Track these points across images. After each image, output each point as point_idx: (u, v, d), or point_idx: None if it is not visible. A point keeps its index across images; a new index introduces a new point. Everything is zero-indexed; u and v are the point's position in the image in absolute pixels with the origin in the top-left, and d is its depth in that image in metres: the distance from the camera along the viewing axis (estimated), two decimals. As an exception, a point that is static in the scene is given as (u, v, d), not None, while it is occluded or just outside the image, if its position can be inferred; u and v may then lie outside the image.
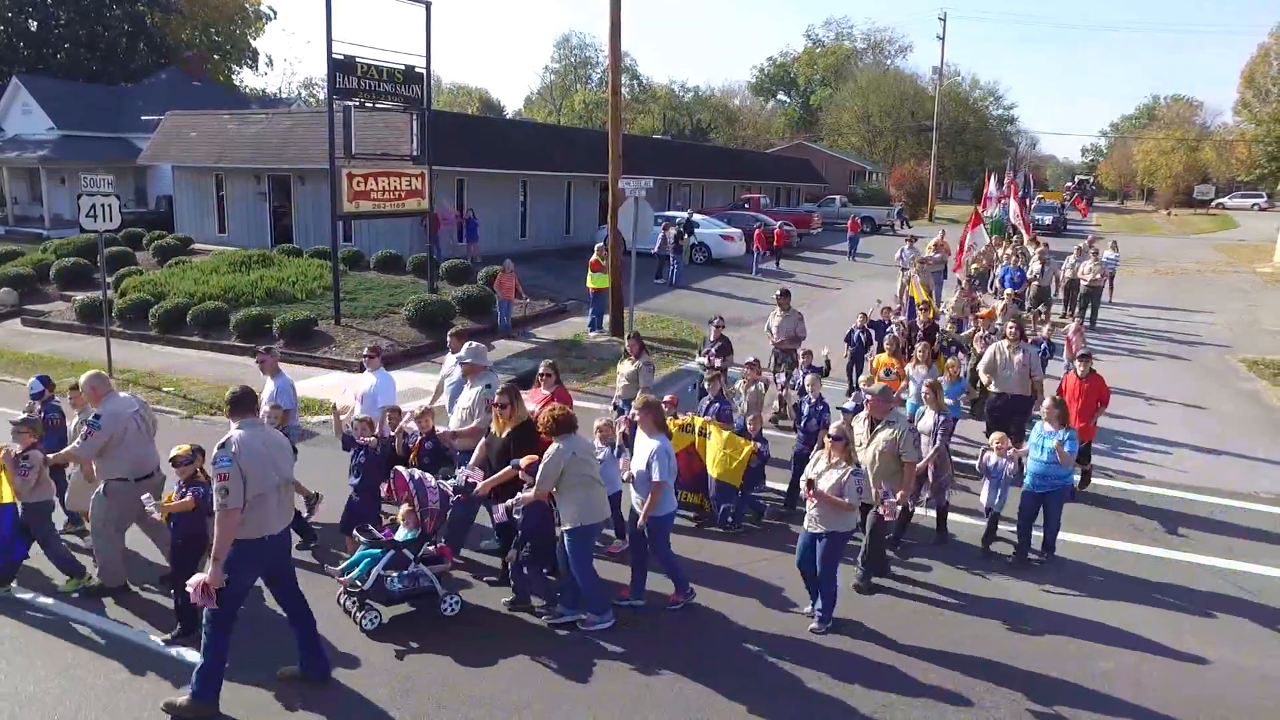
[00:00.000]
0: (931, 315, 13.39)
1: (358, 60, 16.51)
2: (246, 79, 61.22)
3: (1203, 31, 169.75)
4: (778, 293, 12.90)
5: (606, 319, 17.83)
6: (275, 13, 59.56)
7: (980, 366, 10.59)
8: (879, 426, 7.54)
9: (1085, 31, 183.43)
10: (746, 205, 37.82)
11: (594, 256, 17.92)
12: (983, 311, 13.89)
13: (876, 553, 7.61)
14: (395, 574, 6.65)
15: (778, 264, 28.15)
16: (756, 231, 27.28)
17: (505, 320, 17.72)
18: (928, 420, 8.53)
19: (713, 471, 8.48)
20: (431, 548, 6.91)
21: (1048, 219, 41.31)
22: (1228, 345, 17.86)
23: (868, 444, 7.54)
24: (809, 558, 6.83)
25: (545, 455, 6.56)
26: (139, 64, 48.36)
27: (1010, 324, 10.65)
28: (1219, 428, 12.43)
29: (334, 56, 16.00)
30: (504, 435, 7.07)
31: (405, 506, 6.96)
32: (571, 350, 16.44)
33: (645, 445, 7.03)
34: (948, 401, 9.91)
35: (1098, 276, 19.00)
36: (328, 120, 16.55)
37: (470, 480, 7.11)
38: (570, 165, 29.66)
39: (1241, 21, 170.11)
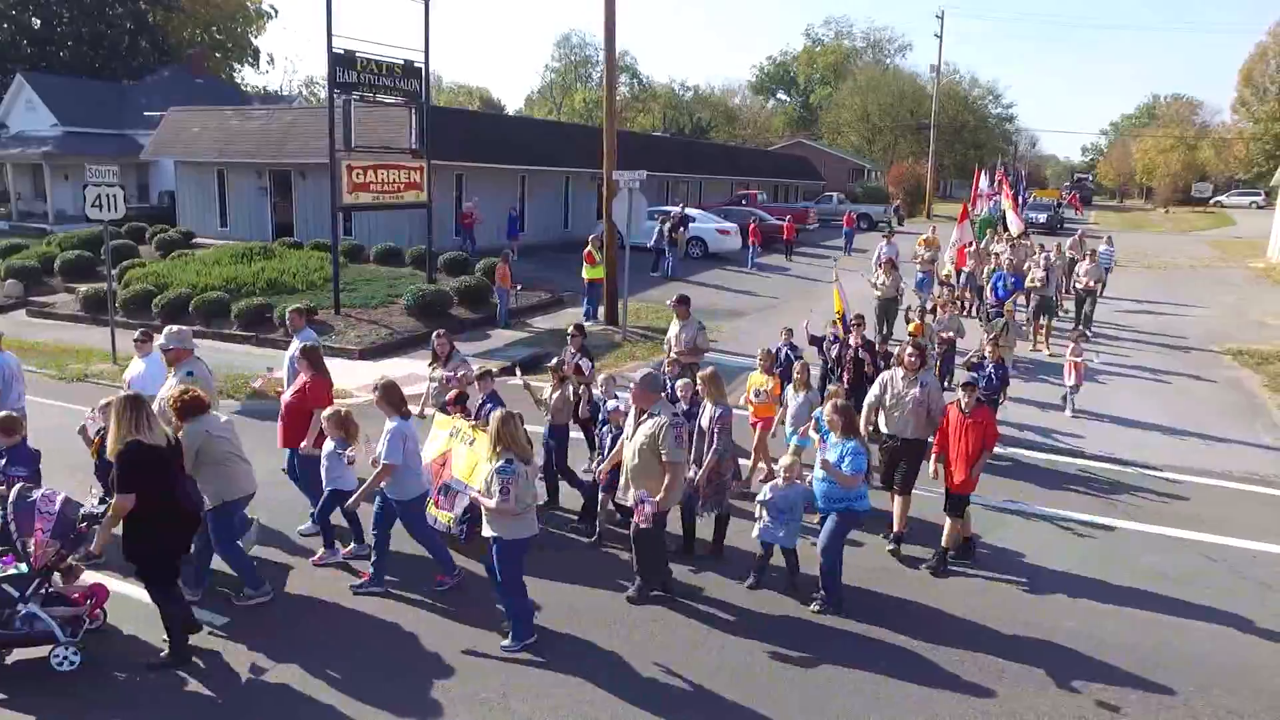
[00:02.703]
0: (843, 331, 10.99)
1: (357, 54, 16.78)
2: (248, 77, 61.60)
3: (1203, 31, 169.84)
4: (674, 300, 11.03)
5: (601, 310, 18.13)
6: (276, 11, 60.05)
7: (867, 398, 8.34)
8: (643, 419, 6.64)
9: (1087, 30, 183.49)
10: (744, 201, 38.15)
11: (588, 248, 18.23)
12: (911, 325, 11.91)
13: (645, 564, 6.81)
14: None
15: (789, 257, 28.52)
16: (751, 226, 27.58)
17: (504, 311, 18.00)
18: (704, 415, 7.52)
19: (462, 476, 7.31)
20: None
21: (1042, 217, 41.32)
22: (1215, 336, 18.11)
23: (630, 438, 6.74)
24: (491, 568, 6.19)
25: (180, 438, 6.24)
26: (141, 61, 48.69)
27: (910, 349, 8.12)
28: (1199, 412, 12.71)
29: (334, 51, 16.26)
30: (111, 458, 5.68)
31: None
32: (568, 340, 16.72)
33: (385, 427, 6.79)
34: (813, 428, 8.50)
35: (1092, 281, 17.50)
36: (328, 113, 16.85)
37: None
38: (568, 161, 29.96)
39: (1242, 21, 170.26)
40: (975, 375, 8.47)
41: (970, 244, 19.21)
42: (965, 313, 17.26)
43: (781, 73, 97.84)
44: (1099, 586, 7.34)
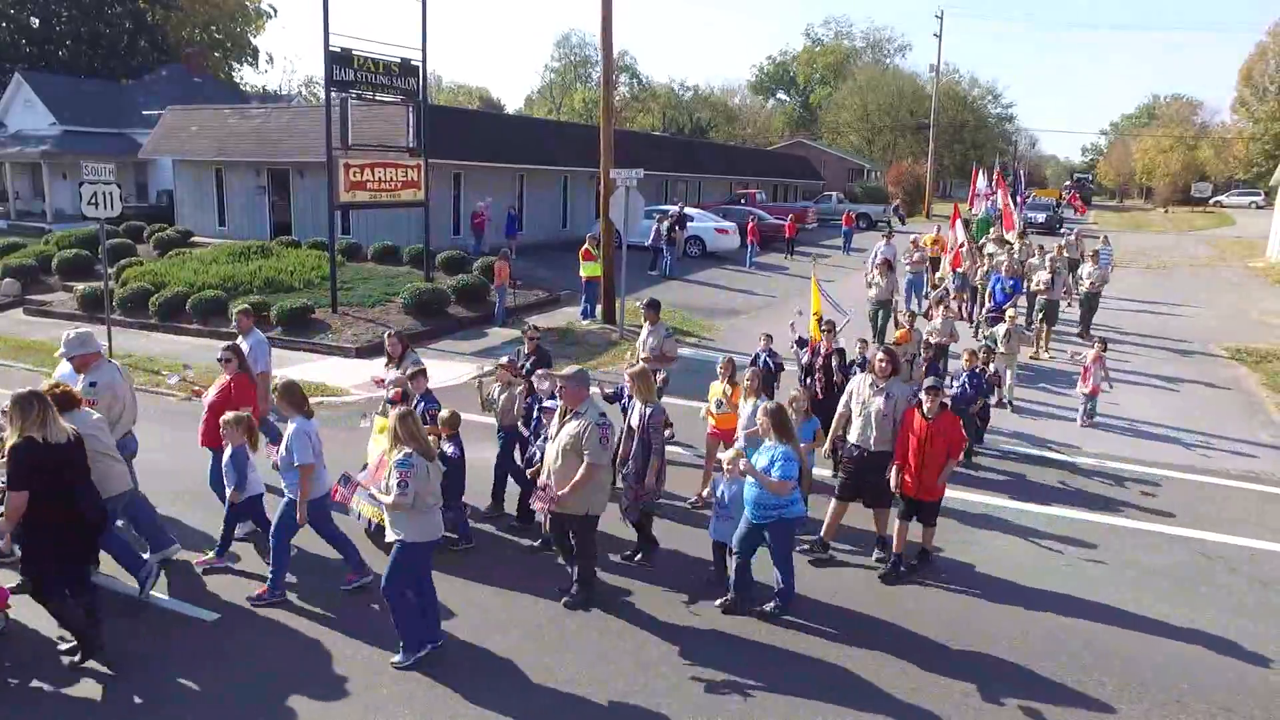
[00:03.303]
0: (817, 336, 10.15)
1: (354, 53, 16.75)
2: (247, 76, 61.63)
3: (1203, 30, 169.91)
4: (643, 304, 10.76)
5: (599, 308, 18.10)
6: (275, 10, 60.04)
7: (839, 407, 8.02)
8: (568, 419, 6.45)
9: (1086, 30, 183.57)
10: (743, 201, 38.16)
11: (585, 246, 18.22)
12: (899, 333, 10.96)
13: (585, 568, 6.59)
14: None
15: (790, 255, 28.58)
16: (750, 225, 27.55)
17: (502, 309, 17.97)
18: (633, 415, 7.25)
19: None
20: None
21: (1041, 217, 41.01)
22: (1213, 335, 18.10)
23: (554, 438, 6.51)
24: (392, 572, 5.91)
25: None
26: (140, 61, 48.69)
27: (881, 355, 7.75)
28: (1197, 411, 12.70)
29: (331, 49, 16.24)
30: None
31: None
32: (565, 337, 16.72)
33: (287, 429, 6.62)
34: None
35: (1098, 284, 16.88)
36: (324, 112, 16.82)
37: None
38: (566, 159, 29.95)
39: (1242, 21, 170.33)
40: (937, 380, 7.99)
41: (964, 245, 18.56)
42: (960, 315, 16.60)
43: (781, 73, 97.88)
44: (1095, 585, 7.32)
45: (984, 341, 12.39)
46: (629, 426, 7.36)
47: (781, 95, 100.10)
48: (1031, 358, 15.18)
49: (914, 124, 71.78)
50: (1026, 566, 7.65)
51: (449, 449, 7.39)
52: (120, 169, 20.99)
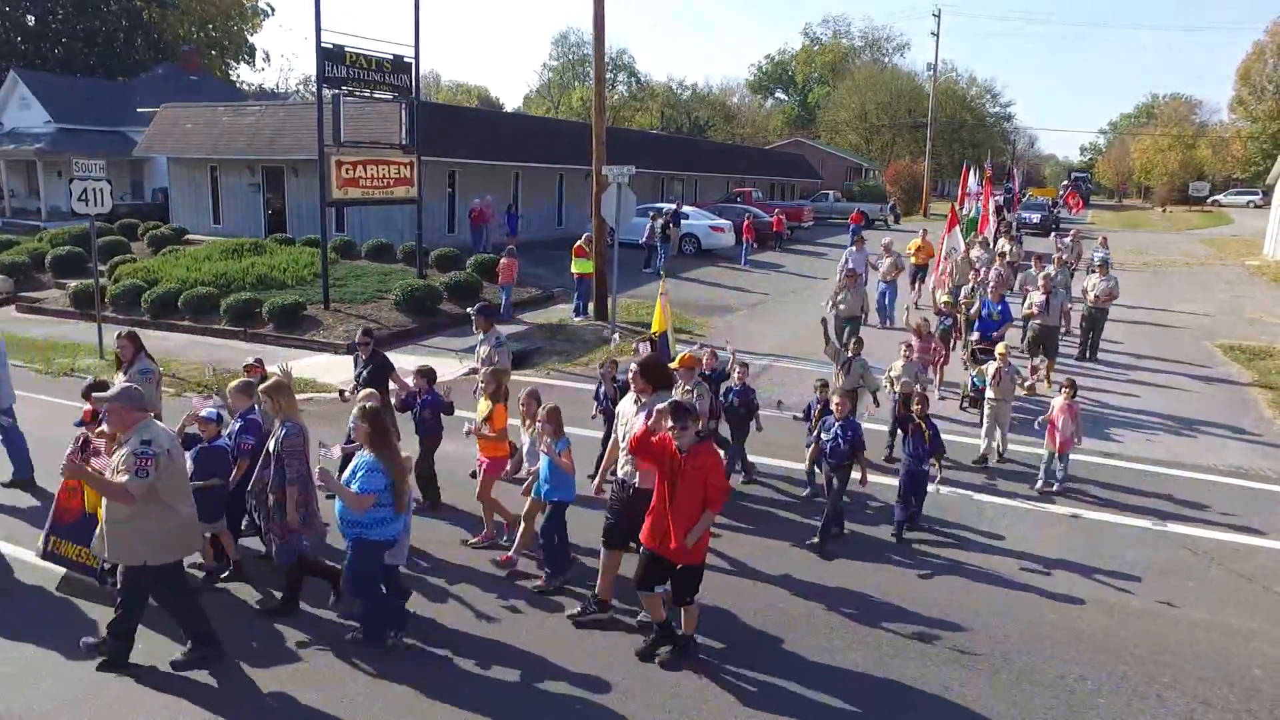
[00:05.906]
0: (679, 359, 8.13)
1: (346, 49, 16.76)
2: (244, 74, 61.53)
3: (1203, 30, 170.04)
4: (473, 310, 9.62)
5: (591, 305, 18.09)
6: (273, 9, 60.09)
7: (615, 434, 6.70)
8: (118, 445, 5.44)
9: (1087, 30, 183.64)
10: (739, 199, 38.17)
11: (579, 243, 18.21)
12: (679, 357, 8.38)
13: (122, 627, 5.60)
14: None
15: (778, 249, 28.54)
16: (745, 223, 27.55)
17: (507, 306, 17.93)
18: (271, 438, 6.16)
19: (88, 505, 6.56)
20: None
21: (1036, 217, 39.30)
22: (1208, 332, 18.09)
23: (112, 468, 5.48)
24: None
25: None
26: (136, 59, 48.73)
27: (634, 367, 6.36)
28: (1188, 406, 12.66)
29: (323, 45, 16.25)
30: None
31: None
32: (557, 333, 16.72)
33: None
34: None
35: (1102, 296, 14.54)
36: (317, 108, 16.82)
37: None
38: (562, 157, 29.96)
39: (1241, 20, 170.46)
40: (685, 404, 5.84)
41: (961, 254, 17.16)
42: (953, 334, 13.20)
43: (780, 72, 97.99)
44: (1079, 579, 7.31)
45: (974, 379, 10.93)
46: (267, 451, 6.23)
47: (780, 94, 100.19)
48: (1028, 395, 11.59)
49: (912, 123, 71.86)
50: (1012, 552, 7.63)
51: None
52: (116, 167, 21.07)
